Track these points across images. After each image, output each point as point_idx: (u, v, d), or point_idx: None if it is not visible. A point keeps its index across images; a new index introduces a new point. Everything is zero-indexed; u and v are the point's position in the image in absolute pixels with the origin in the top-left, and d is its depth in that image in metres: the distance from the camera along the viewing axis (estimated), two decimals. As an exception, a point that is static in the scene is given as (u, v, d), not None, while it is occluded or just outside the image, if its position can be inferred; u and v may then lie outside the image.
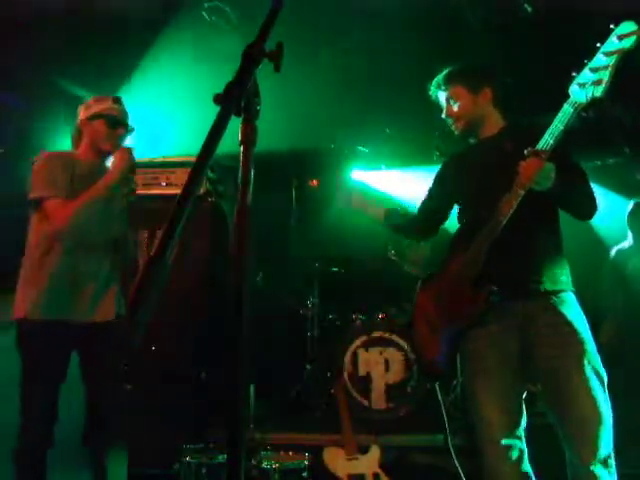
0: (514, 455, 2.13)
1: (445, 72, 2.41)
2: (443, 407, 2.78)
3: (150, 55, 4.19)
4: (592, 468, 1.98)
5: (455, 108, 2.35)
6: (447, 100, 2.37)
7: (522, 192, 2.02)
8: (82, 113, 2.62)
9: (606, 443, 2.00)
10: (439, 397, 2.72)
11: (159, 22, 4.02)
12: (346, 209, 5.79)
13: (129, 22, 3.93)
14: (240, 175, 1.07)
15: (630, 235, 4.18)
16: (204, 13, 4.05)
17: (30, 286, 2.44)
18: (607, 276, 4.25)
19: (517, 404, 2.15)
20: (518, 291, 2.10)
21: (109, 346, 2.40)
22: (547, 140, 2.02)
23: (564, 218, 2.33)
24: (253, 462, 3.00)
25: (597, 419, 1.99)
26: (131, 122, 2.64)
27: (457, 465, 2.63)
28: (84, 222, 2.38)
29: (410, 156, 5.90)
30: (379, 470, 2.96)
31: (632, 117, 4.74)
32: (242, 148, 1.08)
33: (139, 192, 3.82)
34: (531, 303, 2.10)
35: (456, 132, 2.39)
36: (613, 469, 2.01)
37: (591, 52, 2.02)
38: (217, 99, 1.01)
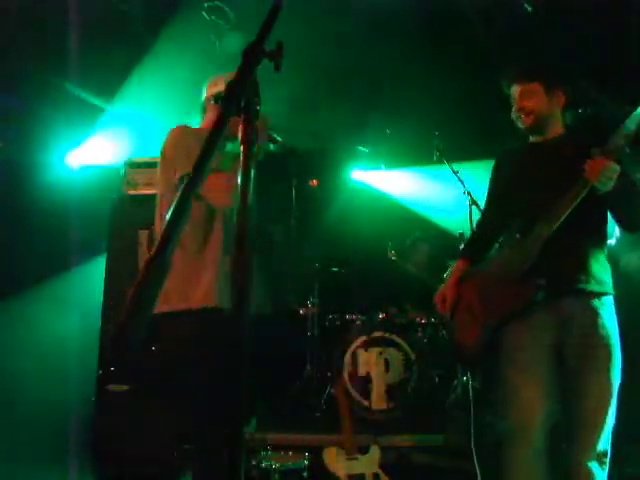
0: (538, 446, 2.20)
1: (525, 66, 2.45)
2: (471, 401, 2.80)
3: (150, 55, 4.18)
4: (588, 463, 2.05)
5: (529, 103, 2.35)
6: (521, 94, 2.37)
7: (584, 191, 2.07)
8: (208, 90, 2.51)
9: (606, 439, 2.09)
10: (470, 386, 2.76)
11: (159, 22, 4.02)
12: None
13: (129, 22, 3.93)
14: (240, 175, 1.07)
15: (617, 231, 4.17)
16: (204, 13, 4.05)
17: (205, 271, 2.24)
18: None
19: (548, 400, 2.19)
20: (564, 289, 2.16)
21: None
22: (617, 141, 2.06)
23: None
24: (253, 462, 3.00)
25: (604, 413, 2.08)
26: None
27: (476, 466, 2.65)
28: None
29: (410, 156, 5.90)
30: (379, 470, 2.95)
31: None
32: (242, 148, 1.08)
33: (139, 192, 3.86)
34: (574, 302, 2.16)
35: (522, 126, 2.40)
36: (606, 467, 2.09)
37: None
38: (217, 99, 1.01)
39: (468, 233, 4.49)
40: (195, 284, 2.22)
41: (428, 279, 4.74)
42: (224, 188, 2.14)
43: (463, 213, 4.55)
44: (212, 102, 2.46)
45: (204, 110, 2.53)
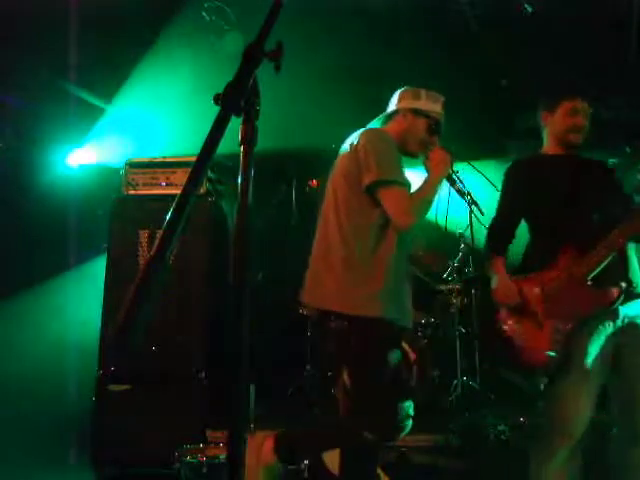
0: (575, 454, 2.29)
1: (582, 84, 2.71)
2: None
3: (150, 55, 4.19)
4: None
5: (584, 121, 2.49)
6: (583, 111, 2.49)
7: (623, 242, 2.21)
8: (408, 100, 2.43)
9: None
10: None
11: (159, 22, 4.02)
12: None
13: (129, 22, 3.94)
14: (240, 175, 1.07)
15: None
16: (204, 13, 4.06)
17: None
18: None
19: (593, 401, 2.27)
20: (629, 294, 2.24)
21: None
22: None
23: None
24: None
25: None
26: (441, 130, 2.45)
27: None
28: (416, 221, 2.18)
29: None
30: (379, 470, 2.95)
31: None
32: (242, 148, 1.08)
33: (139, 192, 3.86)
34: (633, 307, 2.26)
35: (575, 142, 2.49)
36: None
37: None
38: (217, 99, 1.01)
39: (468, 233, 4.49)
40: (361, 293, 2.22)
41: (424, 277, 4.74)
42: (406, 206, 2.16)
43: (463, 213, 4.55)
44: (411, 114, 2.39)
45: (392, 115, 2.46)
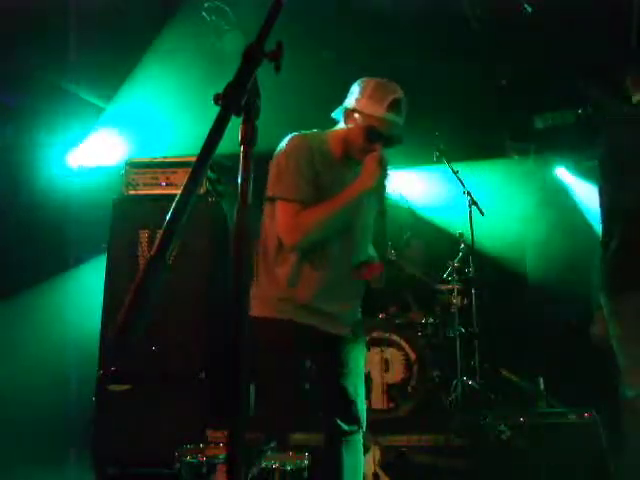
0: None
1: None
2: None
3: (150, 55, 4.18)
4: None
5: None
6: None
7: None
8: (351, 96, 2.15)
9: None
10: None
11: (159, 22, 4.02)
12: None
13: (129, 22, 3.93)
14: (240, 175, 1.07)
15: None
16: (204, 13, 4.06)
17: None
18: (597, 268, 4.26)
19: None
20: None
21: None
22: None
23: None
24: (257, 463, 3.00)
25: None
26: (399, 133, 2.18)
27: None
28: (314, 239, 2.05)
29: (410, 156, 5.89)
30: (379, 470, 2.95)
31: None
32: (242, 148, 1.08)
33: (139, 192, 3.86)
34: None
35: None
36: None
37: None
38: (217, 99, 1.01)
39: (468, 233, 4.49)
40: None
41: (423, 276, 4.74)
42: (290, 223, 2.05)
43: (463, 213, 4.55)
44: (354, 116, 2.11)
45: (343, 115, 2.19)
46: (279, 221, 2.05)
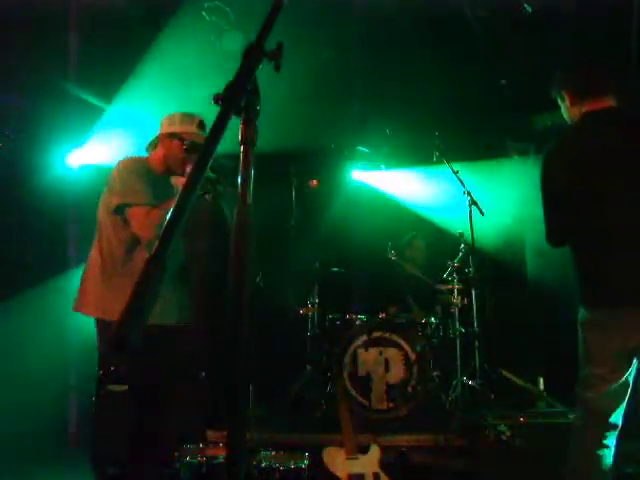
0: None
1: None
2: None
3: (150, 55, 4.19)
4: None
5: None
6: None
7: None
8: (165, 126, 2.65)
9: None
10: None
11: (159, 22, 4.02)
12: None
13: (129, 22, 3.94)
14: (240, 175, 1.07)
15: None
16: (204, 13, 4.06)
17: (119, 288, 2.45)
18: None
19: None
20: None
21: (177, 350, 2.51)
22: None
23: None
24: (253, 462, 3.00)
25: None
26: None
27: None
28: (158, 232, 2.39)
29: (410, 156, 5.90)
30: (379, 470, 2.95)
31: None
32: (242, 148, 1.08)
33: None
34: None
35: None
36: None
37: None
38: (217, 99, 1.01)
39: (468, 233, 4.50)
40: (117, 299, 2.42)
41: (424, 276, 4.75)
42: (146, 221, 2.42)
43: (463, 213, 4.55)
44: (168, 138, 2.61)
45: (156, 143, 2.67)
46: (135, 223, 2.44)
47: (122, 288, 2.40)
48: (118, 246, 2.51)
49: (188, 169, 2.53)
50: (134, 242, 2.50)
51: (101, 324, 2.51)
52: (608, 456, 2.23)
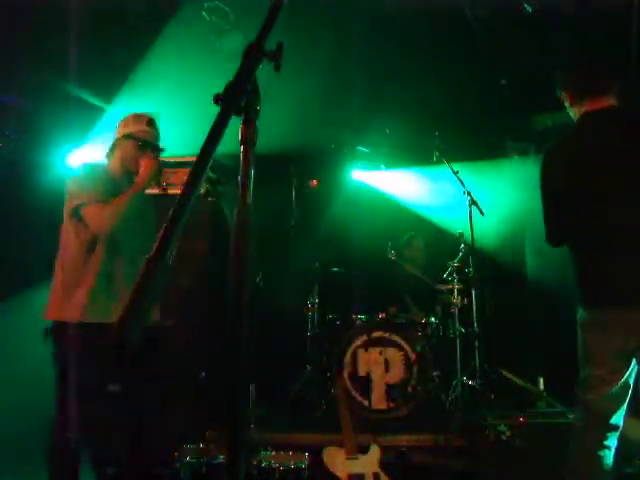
0: None
1: None
2: None
3: (150, 55, 4.18)
4: None
5: None
6: None
7: None
8: (120, 130, 2.76)
9: None
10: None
11: (159, 22, 4.02)
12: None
13: (129, 22, 3.93)
14: (240, 175, 1.07)
15: None
16: (204, 13, 4.05)
17: (75, 288, 2.55)
18: None
19: None
20: None
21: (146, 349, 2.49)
22: None
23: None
24: (253, 462, 3.00)
25: None
26: (161, 143, 2.81)
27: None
28: (119, 224, 2.53)
29: (410, 156, 5.90)
30: (379, 470, 2.95)
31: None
32: (242, 148, 1.08)
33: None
34: None
35: None
36: None
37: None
38: (217, 99, 1.01)
39: (468, 233, 4.50)
40: (70, 299, 2.54)
41: (424, 276, 4.75)
42: (99, 216, 2.53)
43: (463, 213, 4.56)
44: (123, 140, 2.72)
45: (114, 147, 2.76)
46: (90, 220, 2.54)
47: (81, 284, 2.54)
48: (79, 249, 2.60)
49: (142, 165, 2.63)
50: (94, 242, 2.59)
51: (58, 326, 2.53)
52: (608, 457, 2.23)
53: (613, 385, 2.23)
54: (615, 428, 2.25)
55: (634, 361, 2.24)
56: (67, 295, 2.54)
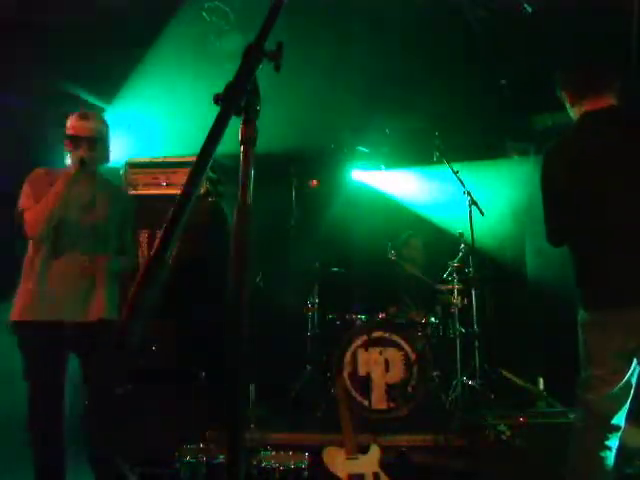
0: None
1: None
2: None
3: (150, 55, 4.19)
4: None
5: None
6: None
7: None
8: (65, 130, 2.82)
9: None
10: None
11: (159, 22, 4.02)
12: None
13: (129, 22, 3.94)
14: (240, 175, 1.07)
15: None
16: (204, 13, 4.06)
17: (21, 289, 2.66)
18: None
19: None
20: None
21: (102, 346, 2.56)
22: None
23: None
24: (253, 462, 3.00)
25: None
26: (98, 134, 2.79)
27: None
28: (45, 223, 2.61)
29: (410, 156, 5.90)
30: (379, 470, 2.95)
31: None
32: (242, 148, 1.08)
33: (139, 192, 3.86)
34: None
35: None
36: None
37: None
38: (217, 99, 1.01)
39: (468, 233, 4.50)
40: (18, 299, 2.64)
41: (424, 276, 4.75)
42: (28, 221, 2.62)
43: (463, 213, 4.56)
44: (67, 140, 2.78)
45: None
46: (25, 225, 2.64)
47: (25, 285, 2.64)
48: (30, 250, 2.71)
49: (74, 156, 2.72)
50: (38, 244, 2.69)
51: (14, 325, 2.62)
52: (609, 457, 2.23)
53: (614, 385, 2.23)
54: (616, 428, 2.25)
55: (635, 361, 2.24)
56: (18, 296, 2.65)
